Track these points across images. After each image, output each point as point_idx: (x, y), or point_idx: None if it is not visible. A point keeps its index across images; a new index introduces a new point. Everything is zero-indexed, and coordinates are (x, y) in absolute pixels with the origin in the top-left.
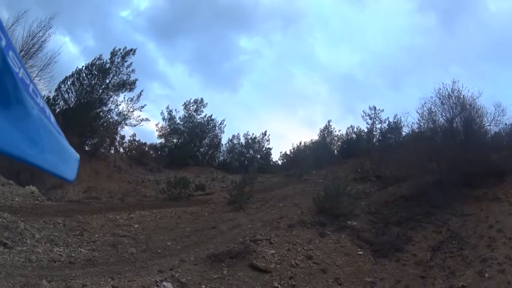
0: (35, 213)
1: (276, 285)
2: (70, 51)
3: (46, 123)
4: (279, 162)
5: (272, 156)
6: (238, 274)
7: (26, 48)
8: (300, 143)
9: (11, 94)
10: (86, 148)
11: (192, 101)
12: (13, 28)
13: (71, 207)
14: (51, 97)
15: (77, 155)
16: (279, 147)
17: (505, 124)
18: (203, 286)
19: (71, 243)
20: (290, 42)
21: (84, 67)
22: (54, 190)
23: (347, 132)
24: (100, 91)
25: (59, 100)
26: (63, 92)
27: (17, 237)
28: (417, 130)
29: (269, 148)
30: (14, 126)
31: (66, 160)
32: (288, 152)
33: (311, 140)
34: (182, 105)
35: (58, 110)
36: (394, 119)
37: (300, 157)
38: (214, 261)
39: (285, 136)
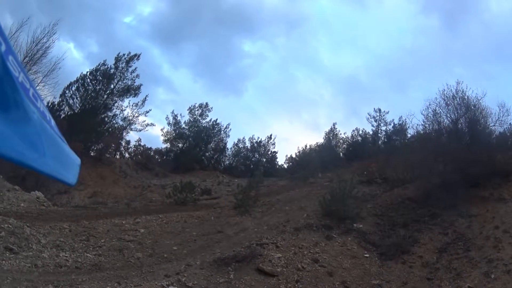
0: (41, 219)
1: None
2: (74, 57)
3: (47, 127)
4: (285, 166)
5: (277, 160)
6: (244, 278)
7: (30, 54)
8: (306, 146)
9: (11, 99)
10: (92, 154)
11: (197, 105)
12: (17, 34)
13: (77, 212)
14: (56, 103)
15: (78, 159)
16: (285, 151)
17: (510, 124)
18: None
19: (77, 248)
20: (294, 46)
21: (88, 73)
22: (59, 195)
23: (352, 134)
24: (105, 96)
25: (64, 106)
26: (67, 98)
27: (23, 243)
28: (422, 132)
29: (274, 151)
30: (14, 130)
31: (67, 164)
32: (293, 156)
33: (317, 143)
34: (187, 110)
35: (63, 115)
36: (399, 121)
37: (305, 160)
38: (221, 265)
39: (291, 139)
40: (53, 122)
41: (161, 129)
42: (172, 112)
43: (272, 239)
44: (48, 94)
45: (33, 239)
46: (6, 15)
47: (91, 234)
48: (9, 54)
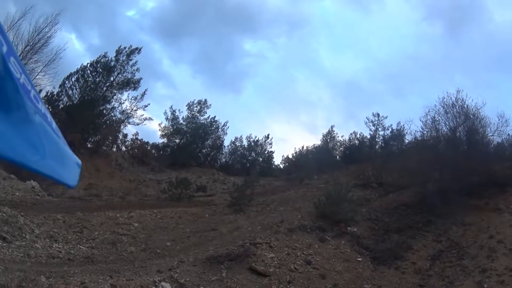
0: (35, 209)
1: None
2: (75, 48)
3: (48, 129)
4: (281, 166)
5: (274, 160)
6: (236, 277)
7: (31, 43)
8: (303, 147)
9: (12, 100)
10: (88, 145)
11: (195, 102)
12: (20, 23)
13: (71, 204)
14: (55, 93)
15: (79, 161)
16: (282, 151)
17: (508, 134)
18: None
19: (70, 240)
20: (295, 47)
21: (89, 64)
22: (55, 186)
23: (350, 138)
24: (104, 88)
25: (63, 96)
26: (67, 88)
27: (17, 232)
28: (420, 138)
29: (271, 151)
30: (16, 131)
31: (67, 166)
32: (290, 156)
33: (314, 144)
34: (186, 106)
35: (61, 106)
36: (397, 126)
37: (302, 162)
38: (213, 263)
39: (288, 140)
40: (54, 124)
41: (159, 124)
42: (171, 108)
43: (265, 239)
44: (48, 84)
45: (26, 229)
46: (9, 3)
47: (85, 226)
48: (11, 55)
